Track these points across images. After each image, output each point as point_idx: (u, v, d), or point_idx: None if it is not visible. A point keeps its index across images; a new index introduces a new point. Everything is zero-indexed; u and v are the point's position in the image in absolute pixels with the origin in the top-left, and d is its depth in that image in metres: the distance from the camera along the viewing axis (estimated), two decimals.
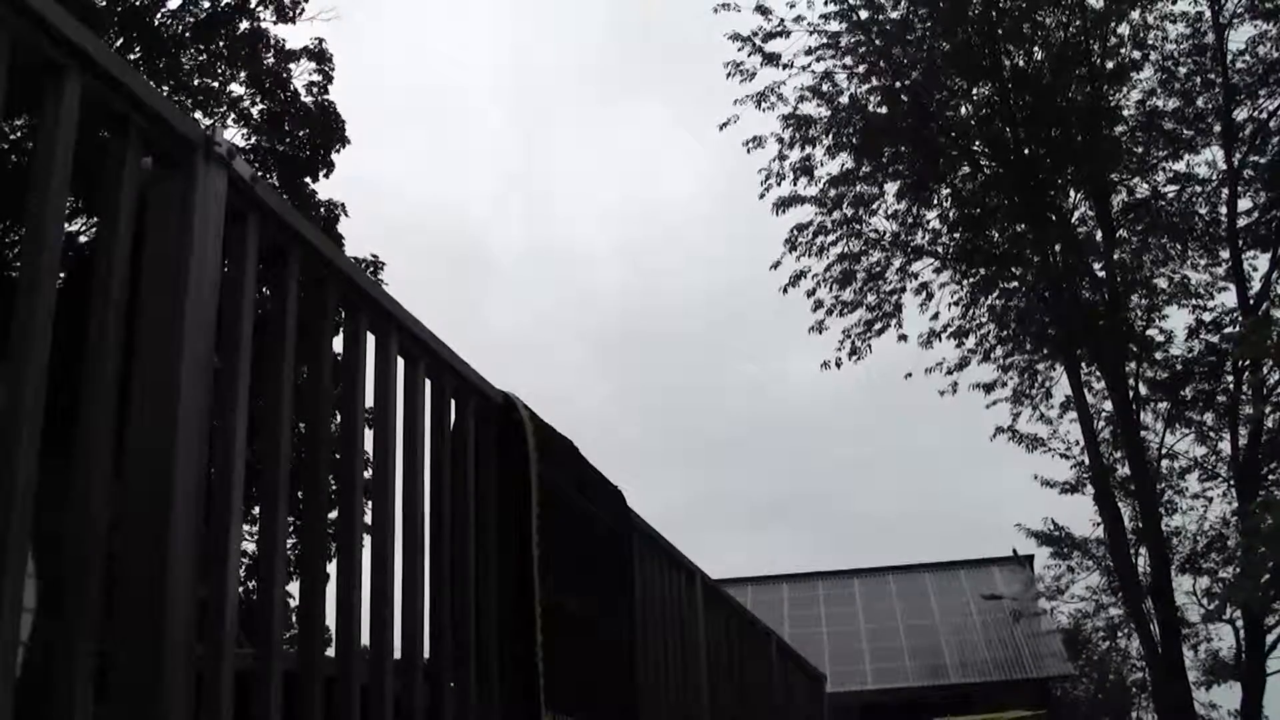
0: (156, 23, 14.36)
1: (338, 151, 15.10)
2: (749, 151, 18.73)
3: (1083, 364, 18.51)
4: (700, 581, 5.34)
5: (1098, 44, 18.11)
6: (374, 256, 15.24)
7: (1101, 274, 18.43)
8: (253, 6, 14.99)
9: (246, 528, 5.95)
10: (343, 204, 15.05)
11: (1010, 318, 19.11)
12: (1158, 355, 18.62)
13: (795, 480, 65.21)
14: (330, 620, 2.32)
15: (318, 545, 2.27)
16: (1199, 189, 18.69)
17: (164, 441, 1.70)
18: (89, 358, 1.66)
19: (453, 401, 2.94)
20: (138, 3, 14.05)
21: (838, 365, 19.06)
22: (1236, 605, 16.24)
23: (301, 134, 14.96)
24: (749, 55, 18.32)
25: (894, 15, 18.33)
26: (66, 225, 12.04)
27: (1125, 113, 18.74)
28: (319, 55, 15.32)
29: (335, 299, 2.39)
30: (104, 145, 1.73)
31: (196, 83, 14.82)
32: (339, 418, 2.50)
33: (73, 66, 1.59)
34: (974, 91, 18.91)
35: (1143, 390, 18.59)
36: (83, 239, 13.00)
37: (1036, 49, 18.49)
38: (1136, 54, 18.36)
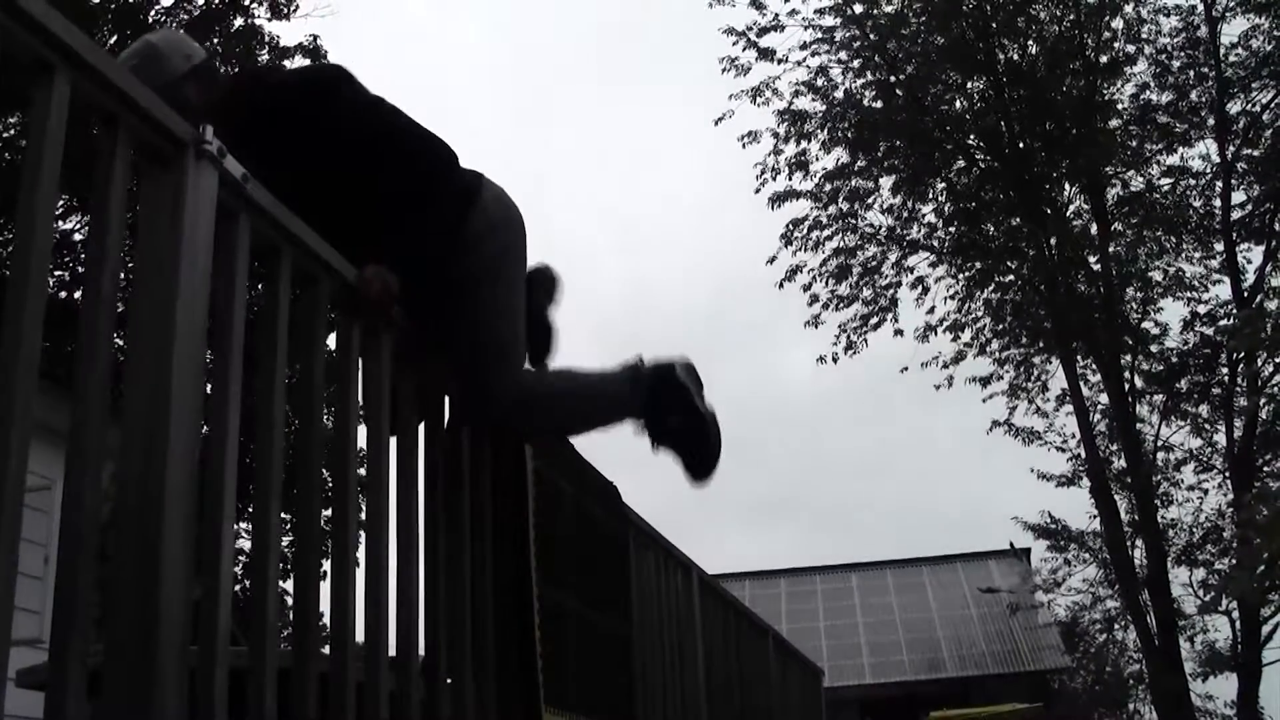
0: (150, 19, 14.33)
1: None
2: (744, 146, 18.75)
3: (1078, 357, 18.52)
4: (697, 577, 5.34)
5: (1092, 38, 18.13)
6: None
7: (1097, 267, 18.45)
8: (246, 3, 14.96)
9: (241, 525, 5.95)
10: None
11: (1006, 311, 19.11)
12: (1153, 348, 18.64)
13: (792, 475, 65.26)
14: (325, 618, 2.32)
15: (311, 542, 2.27)
16: (1193, 182, 18.73)
17: (156, 441, 1.70)
18: (80, 357, 1.66)
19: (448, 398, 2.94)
20: (131, 0, 14.03)
21: (834, 360, 19.10)
22: (1233, 597, 16.26)
23: None
24: (744, 50, 18.35)
25: (889, 9, 18.33)
26: (59, 224, 12.02)
27: (1119, 106, 18.78)
28: (314, 52, 15.30)
29: (328, 297, 2.39)
30: (94, 143, 1.73)
31: None
32: (332, 415, 2.50)
33: (62, 65, 1.59)
34: (969, 85, 18.91)
35: (1138, 383, 18.62)
36: (77, 237, 12.99)
37: (1031, 43, 18.51)
38: (1130, 48, 18.41)
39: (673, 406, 3.07)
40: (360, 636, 2.35)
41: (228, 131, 2.14)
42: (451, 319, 2.84)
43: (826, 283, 19.04)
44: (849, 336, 19.07)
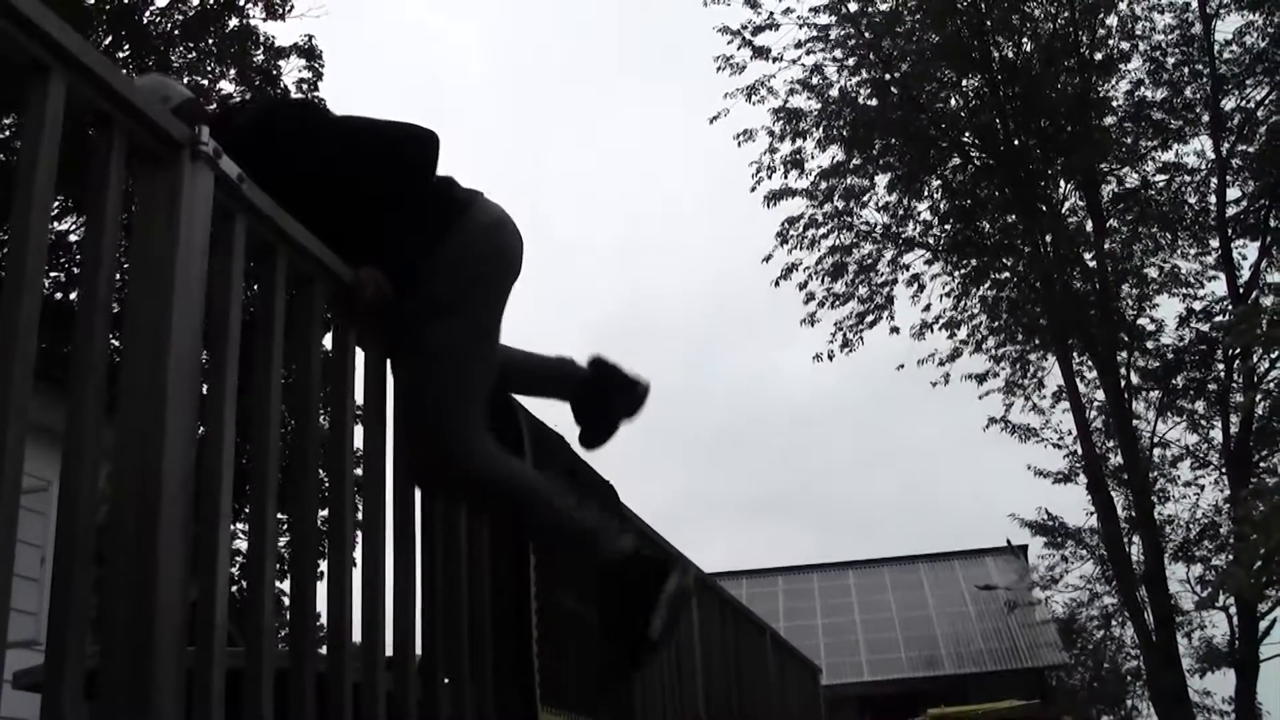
0: (145, 20, 14.31)
1: None
2: (740, 145, 18.75)
3: (1074, 354, 18.54)
4: (694, 576, 5.34)
5: (1086, 35, 18.14)
6: None
7: (1092, 264, 18.46)
8: (241, 4, 14.94)
9: (238, 526, 5.95)
10: None
11: (1002, 308, 19.13)
12: (1149, 344, 18.66)
13: (789, 473, 65.28)
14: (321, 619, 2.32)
15: (308, 543, 2.27)
16: (1188, 178, 18.76)
17: (152, 441, 1.70)
18: (75, 358, 1.66)
19: None
20: (126, 1, 14.00)
21: (830, 358, 19.11)
22: (1229, 593, 16.28)
23: None
24: (738, 49, 18.35)
25: (883, 7, 18.35)
26: (55, 224, 12.00)
27: (1114, 103, 18.80)
28: (309, 52, 15.28)
29: (323, 297, 2.39)
30: (90, 144, 1.73)
31: (186, 80, 14.77)
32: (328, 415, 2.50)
33: (58, 66, 1.59)
34: (964, 83, 18.93)
35: (1134, 379, 18.64)
36: (73, 238, 12.99)
37: (1026, 40, 18.52)
38: (1125, 45, 18.43)
39: (634, 616, 2.76)
40: (358, 637, 2.35)
41: None
42: (409, 347, 2.66)
43: (822, 280, 19.07)
44: (845, 334, 19.11)
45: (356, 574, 2.38)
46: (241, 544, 6.04)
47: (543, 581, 3.20)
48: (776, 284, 19.00)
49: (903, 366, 19.35)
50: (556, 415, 3.48)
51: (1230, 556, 16.11)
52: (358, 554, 2.43)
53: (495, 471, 2.71)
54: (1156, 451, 18.75)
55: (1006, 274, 19.06)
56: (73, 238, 13.06)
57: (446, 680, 2.74)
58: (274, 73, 15.04)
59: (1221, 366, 18.45)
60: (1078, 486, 18.93)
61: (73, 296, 12.19)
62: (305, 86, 15.15)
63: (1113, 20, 18.25)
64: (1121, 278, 18.61)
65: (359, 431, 2.55)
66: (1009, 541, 25.28)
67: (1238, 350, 17.18)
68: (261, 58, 15.01)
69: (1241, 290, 17.95)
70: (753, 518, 63.51)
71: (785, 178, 18.85)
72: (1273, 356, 17.28)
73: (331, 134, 2.71)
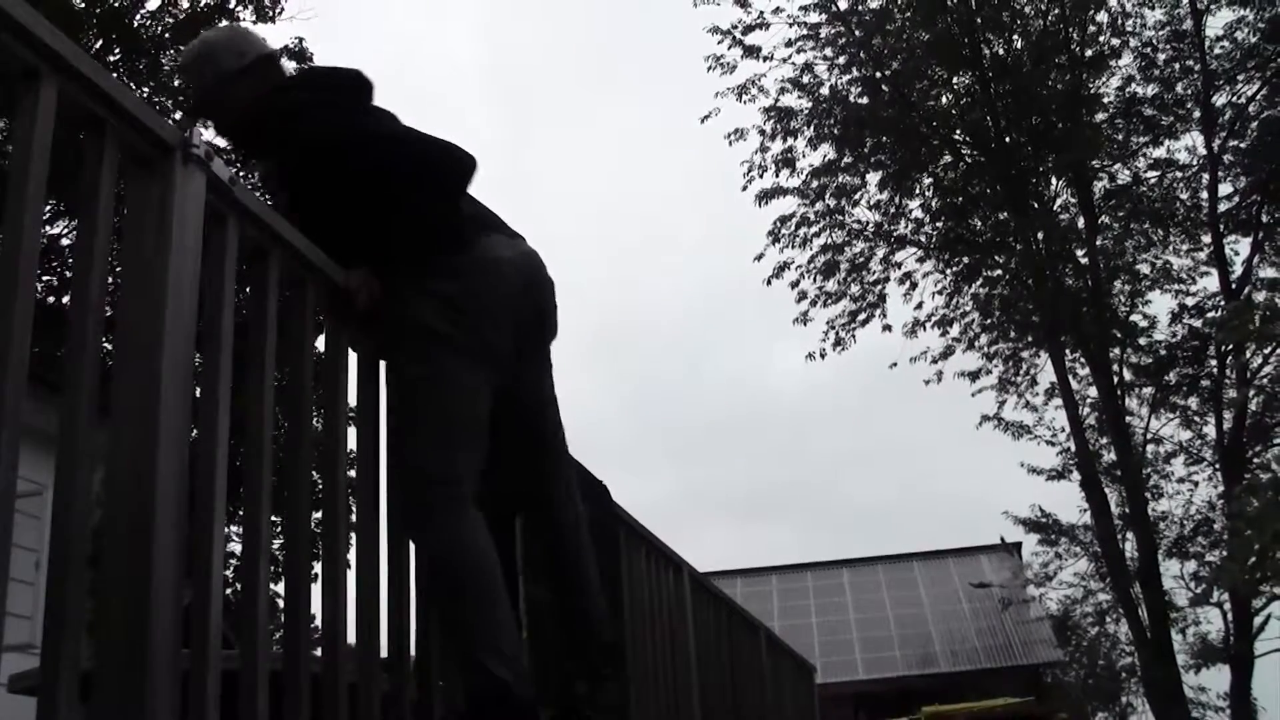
0: (136, 24, 14.29)
1: None
2: (730, 144, 18.76)
3: (1067, 351, 18.56)
4: (688, 575, 5.35)
5: (1077, 32, 18.18)
6: None
7: (1084, 260, 18.49)
8: (232, 6, 14.93)
9: (233, 529, 5.94)
10: None
11: (994, 306, 19.15)
12: (1141, 341, 18.69)
13: (783, 471, 65.30)
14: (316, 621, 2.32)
15: (302, 545, 2.27)
16: (1179, 175, 18.79)
17: (145, 444, 1.70)
18: (68, 361, 1.66)
19: None
20: (117, 4, 13.99)
21: (822, 356, 19.13)
22: (1224, 589, 16.31)
23: None
24: (729, 48, 18.36)
25: (873, 5, 18.38)
26: (47, 228, 11.97)
27: (1105, 100, 18.83)
28: (299, 54, 15.27)
29: (316, 299, 2.39)
30: (82, 148, 1.73)
31: (177, 83, 14.75)
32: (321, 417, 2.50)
33: (48, 70, 1.59)
34: (954, 81, 18.96)
35: (1127, 376, 18.67)
36: (65, 241, 12.97)
37: (1016, 38, 18.55)
38: (1115, 41, 18.46)
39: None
40: (352, 638, 2.35)
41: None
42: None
43: (814, 279, 19.08)
44: (837, 333, 19.12)
45: (351, 575, 2.38)
46: (235, 546, 6.04)
47: (534, 581, 3.20)
48: (768, 283, 19.03)
49: (895, 365, 19.40)
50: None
51: (1224, 552, 16.14)
52: (352, 555, 2.43)
53: (426, 534, 2.58)
54: (1150, 448, 18.77)
55: (998, 271, 19.09)
56: (65, 241, 13.04)
57: (441, 682, 2.75)
58: None
59: (1214, 362, 18.48)
60: (1071, 483, 18.96)
61: (65, 300, 12.17)
62: None
63: (1103, 17, 18.30)
64: (1113, 274, 18.64)
65: (352, 433, 2.56)
66: (1003, 539, 25.30)
67: (1230, 346, 17.20)
68: None
69: (1234, 286, 17.99)
70: (747, 516, 63.56)
71: (776, 176, 18.89)
72: (1265, 352, 17.32)
73: (376, 133, 2.66)
